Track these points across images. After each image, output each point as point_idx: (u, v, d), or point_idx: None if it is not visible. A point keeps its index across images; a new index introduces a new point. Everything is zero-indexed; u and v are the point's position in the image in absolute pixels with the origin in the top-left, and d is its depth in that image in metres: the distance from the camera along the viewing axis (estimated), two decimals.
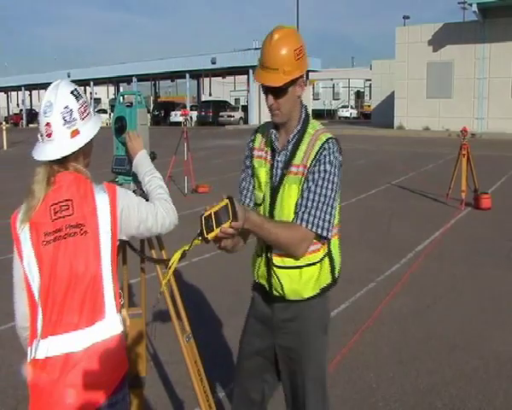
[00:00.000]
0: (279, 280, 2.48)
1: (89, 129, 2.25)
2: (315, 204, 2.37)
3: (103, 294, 2.18)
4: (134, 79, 54.09)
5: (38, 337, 2.16)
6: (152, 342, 5.01)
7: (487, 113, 30.94)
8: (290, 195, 2.44)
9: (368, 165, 18.34)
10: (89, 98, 2.34)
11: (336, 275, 2.59)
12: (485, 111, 31.04)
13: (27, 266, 2.18)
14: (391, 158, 20.20)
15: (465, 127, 11.08)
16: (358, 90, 63.49)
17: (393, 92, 35.34)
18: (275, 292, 2.53)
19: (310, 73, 53.20)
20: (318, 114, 54.69)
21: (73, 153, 2.21)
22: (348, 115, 56.25)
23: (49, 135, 2.19)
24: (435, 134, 30.53)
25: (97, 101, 65.42)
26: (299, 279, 2.46)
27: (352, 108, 58.57)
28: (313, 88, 56.64)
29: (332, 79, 61.81)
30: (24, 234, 2.19)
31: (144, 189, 2.52)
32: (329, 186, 2.39)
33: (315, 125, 2.52)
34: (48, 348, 2.13)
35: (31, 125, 58.31)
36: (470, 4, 29.60)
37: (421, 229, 9.36)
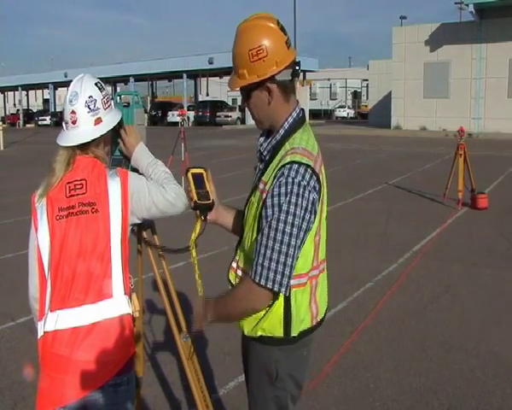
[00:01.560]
0: None
1: (111, 118, 2.41)
2: (268, 253, 1.94)
3: (111, 273, 2.26)
4: (131, 79, 54.04)
5: (47, 311, 2.26)
6: (149, 342, 5.01)
7: (484, 113, 30.99)
8: (251, 213, 2.11)
9: (365, 165, 18.36)
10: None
11: (293, 333, 2.10)
12: (481, 111, 31.09)
13: (41, 238, 2.30)
14: (388, 158, 20.22)
15: (462, 127, 11.11)
16: (355, 90, 63.53)
17: (390, 92, 35.39)
18: None
19: (307, 73, 53.29)
20: (315, 115, 54.73)
21: (95, 140, 2.37)
22: (345, 115, 56.26)
23: (74, 122, 2.35)
24: (432, 134, 30.59)
25: None
26: None
27: (349, 108, 58.56)
28: (310, 88, 56.66)
29: (329, 79, 61.81)
30: (41, 207, 2.33)
31: (149, 180, 2.52)
32: (286, 229, 1.92)
33: (296, 140, 2.07)
34: (56, 321, 2.23)
35: (28, 126, 58.21)
36: (467, 5, 29.67)
37: (418, 229, 9.37)
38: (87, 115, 2.35)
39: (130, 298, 2.36)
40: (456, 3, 46.53)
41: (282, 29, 2.05)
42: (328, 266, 2.13)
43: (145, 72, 53.11)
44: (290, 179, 1.94)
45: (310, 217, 1.98)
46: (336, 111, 57.31)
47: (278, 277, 1.95)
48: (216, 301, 2.17)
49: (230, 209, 2.46)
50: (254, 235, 2.07)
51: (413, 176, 15.44)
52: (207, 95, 58.65)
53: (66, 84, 63.36)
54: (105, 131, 2.39)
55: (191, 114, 46.78)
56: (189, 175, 2.32)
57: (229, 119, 45.26)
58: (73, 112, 2.35)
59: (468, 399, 4.16)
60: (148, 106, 54.36)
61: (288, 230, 1.93)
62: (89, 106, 2.34)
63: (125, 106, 2.82)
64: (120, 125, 2.77)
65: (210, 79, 59.81)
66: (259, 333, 2.12)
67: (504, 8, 28.91)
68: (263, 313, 2.09)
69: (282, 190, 1.93)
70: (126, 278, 2.33)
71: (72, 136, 2.36)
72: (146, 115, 43.82)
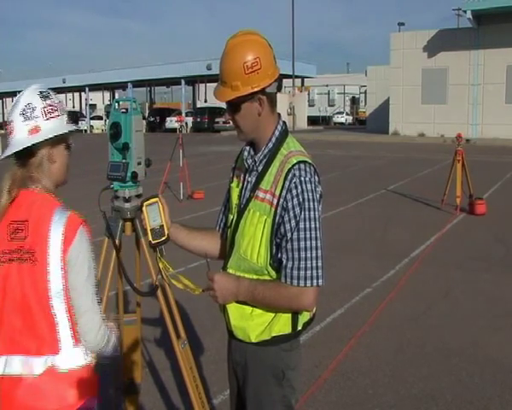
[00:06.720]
0: (228, 313, 2.26)
1: (51, 128, 2.13)
2: (302, 254, 2.07)
3: (55, 326, 2.05)
4: (129, 85, 54.11)
5: None
6: (147, 348, 5.00)
7: (481, 119, 31.07)
8: (253, 222, 2.16)
9: (363, 171, 18.37)
10: (64, 103, 2.28)
11: (299, 327, 2.22)
12: (479, 117, 31.17)
13: None
14: (386, 164, 20.25)
15: (460, 133, 11.13)
16: (354, 97, 63.58)
17: (388, 98, 35.44)
18: (227, 326, 2.32)
19: (305, 80, 53.37)
20: (314, 121, 54.77)
21: (33, 155, 2.11)
22: (343, 121, 56.31)
23: (10, 133, 2.14)
24: (430, 140, 30.63)
25: (93, 107, 65.35)
26: (250, 317, 2.20)
27: (347, 114, 58.60)
28: (308, 94, 56.72)
29: (327, 86, 61.90)
30: None
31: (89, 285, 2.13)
32: (312, 225, 2.08)
33: (290, 145, 2.20)
34: (4, 365, 2.09)
35: None
36: (465, 11, 29.76)
37: (416, 235, 9.38)
38: (21, 124, 2.11)
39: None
40: (453, 10, 46.85)
41: (270, 45, 2.17)
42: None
43: (143, 78, 53.18)
44: (303, 179, 2.09)
45: (320, 206, 2.15)
46: (334, 117, 57.36)
47: (319, 271, 2.10)
48: (253, 286, 2.15)
49: (183, 229, 2.51)
50: (263, 241, 2.14)
51: (411, 182, 15.46)
52: (206, 101, 58.60)
53: (65, 90, 62.61)
54: (38, 141, 2.09)
55: (189, 120, 46.79)
56: (144, 209, 2.39)
57: (228, 125, 45.12)
58: (11, 122, 2.13)
59: (467, 405, 4.15)
60: (147, 112, 54.37)
61: (313, 225, 2.09)
62: (24, 114, 2.11)
63: (123, 112, 2.83)
64: (118, 131, 2.75)
65: (208, 85, 59.88)
66: (272, 335, 2.18)
67: (502, 15, 29.03)
68: (270, 318, 2.18)
69: (299, 189, 2.08)
70: (74, 328, 2.09)
71: (7, 147, 2.12)
72: (144, 121, 43.80)
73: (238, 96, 2.11)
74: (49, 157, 2.14)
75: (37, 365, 2.05)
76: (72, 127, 2.21)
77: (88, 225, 2.11)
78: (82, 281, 2.06)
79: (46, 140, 2.10)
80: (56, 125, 2.14)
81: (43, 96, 2.15)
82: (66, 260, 2.03)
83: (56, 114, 2.16)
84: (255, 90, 2.10)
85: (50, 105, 2.15)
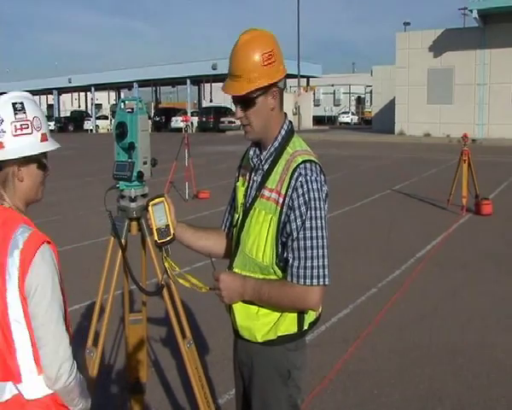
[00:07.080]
0: (234, 313, 2.25)
1: (19, 147, 1.93)
2: (308, 253, 2.06)
3: (15, 353, 1.89)
4: (135, 85, 54.20)
5: None
6: (153, 347, 5.01)
7: (488, 119, 30.98)
8: (258, 221, 2.16)
9: (369, 171, 18.35)
10: (40, 118, 2.00)
11: (305, 326, 2.22)
12: (485, 117, 31.08)
13: None
14: (392, 164, 20.22)
15: (466, 133, 11.10)
16: (359, 96, 63.48)
17: (394, 98, 35.40)
18: (233, 326, 2.31)
19: (310, 79, 53.33)
20: (319, 121, 54.74)
21: (1, 170, 1.95)
22: (349, 121, 56.22)
23: None
24: (436, 140, 30.56)
25: (98, 106, 65.52)
26: (256, 317, 2.20)
27: (352, 114, 58.53)
28: (314, 94, 56.67)
29: (333, 85, 61.81)
30: None
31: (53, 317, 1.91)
32: (318, 224, 2.08)
33: (296, 144, 2.20)
34: None
35: None
36: (471, 10, 29.69)
37: (422, 235, 9.36)
38: None
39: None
40: (459, 9, 46.73)
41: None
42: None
43: (149, 77, 53.27)
44: (309, 178, 2.08)
45: (326, 205, 2.15)
46: (340, 117, 57.30)
47: (325, 270, 2.09)
48: (259, 285, 2.15)
49: (188, 229, 2.48)
50: (269, 240, 2.14)
51: (417, 182, 15.43)
52: (211, 101, 58.67)
53: (71, 89, 62.37)
54: (1, 159, 1.93)
55: (195, 119, 46.85)
56: (150, 209, 2.38)
57: (233, 125, 45.10)
58: None
59: (473, 406, 4.14)
60: (152, 112, 54.47)
61: (319, 224, 2.08)
62: None
63: (129, 112, 2.84)
64: (124, 131, 2.76)
65: (214, 84, 59.88)
66: (278, 334, 2.18)
67: (508, 14, 28.95)
68: (279, 315, 2.17)
69: (305, 188, 2.07)
70: (37, 359, 1.90)
71: None
72: (150, 121, 43.88)
73: (257, 87, 2.08)
74: (15, 175, 1.96)
75: (4, 390, 1.92)
76: (46, 148, 2.01)
77: (52, 244, 1.92)
78: (42, 311, 1.86)
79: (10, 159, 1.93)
80: (24, 145, 1.95)
81: (16, 109, 1.95)
82: (24, 289, 1.85)
83: (27, 131, 1.96)
84: (272, 81, 2.10)
85: (21, 120, 1.95)
